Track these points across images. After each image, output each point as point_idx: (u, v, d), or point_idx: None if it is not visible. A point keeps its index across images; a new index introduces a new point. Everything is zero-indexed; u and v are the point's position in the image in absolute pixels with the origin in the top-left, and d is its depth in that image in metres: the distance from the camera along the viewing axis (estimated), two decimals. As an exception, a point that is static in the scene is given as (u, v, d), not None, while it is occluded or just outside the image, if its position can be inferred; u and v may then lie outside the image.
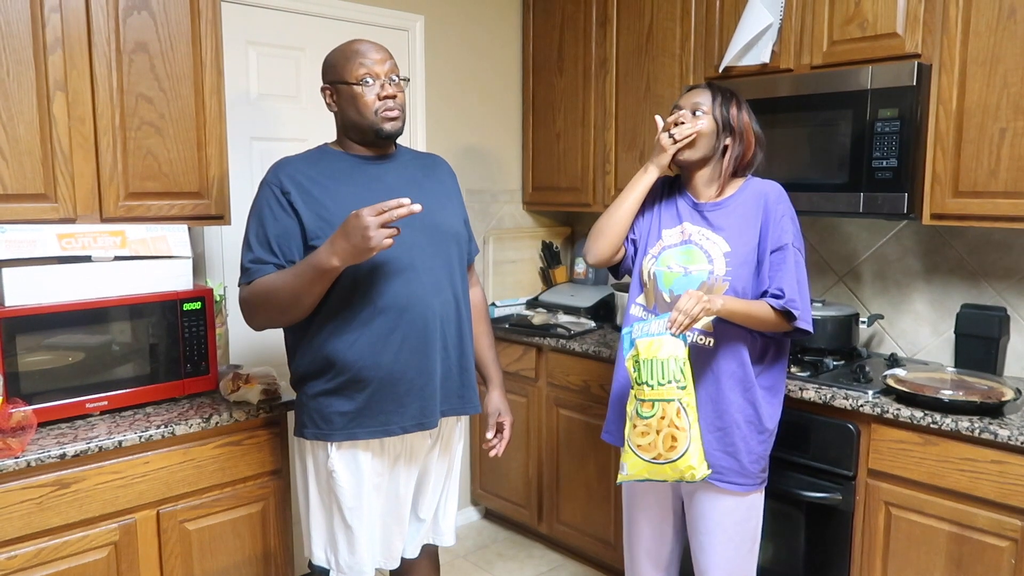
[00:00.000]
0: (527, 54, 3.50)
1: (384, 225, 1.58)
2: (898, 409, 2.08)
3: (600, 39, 3.15)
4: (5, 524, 1.73)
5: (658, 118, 1.98)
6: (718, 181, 1.96)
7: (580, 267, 3.68)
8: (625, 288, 2.11)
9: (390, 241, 1.60)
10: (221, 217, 2.30)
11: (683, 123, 1.91)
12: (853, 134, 2.32)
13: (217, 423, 2.03)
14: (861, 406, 2.13)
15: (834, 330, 2.52)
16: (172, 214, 2.19)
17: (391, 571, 2.06)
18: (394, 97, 1.82)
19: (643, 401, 1.75)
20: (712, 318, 1.85)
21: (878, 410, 2.10)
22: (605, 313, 3.33)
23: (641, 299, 2.02)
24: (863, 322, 2.59)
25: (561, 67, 3.33)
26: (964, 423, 1.96)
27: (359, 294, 1.77)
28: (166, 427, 1.95)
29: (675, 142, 1.91)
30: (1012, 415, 2.01)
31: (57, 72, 1.96)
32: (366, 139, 1.87)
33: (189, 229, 2.24)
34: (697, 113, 1.92)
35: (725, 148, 1.94)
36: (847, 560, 2.21)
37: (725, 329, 1.88)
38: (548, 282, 3.70)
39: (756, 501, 1.96)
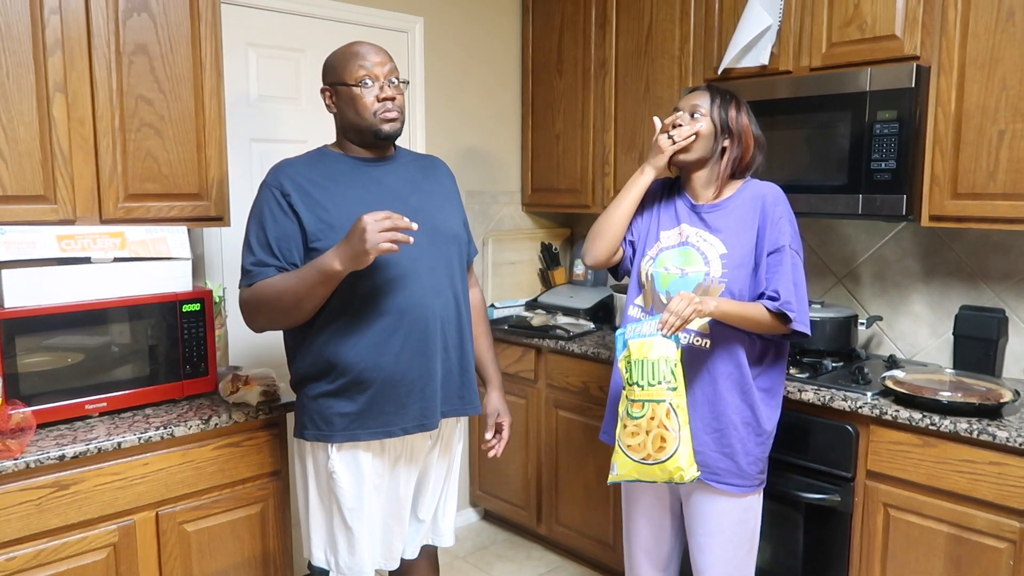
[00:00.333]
0: (526, 56, 3.50)
1: (387, 231, 1.59)
2: (897, 411, 2.08)
3: (599, 41, 3.15)
4: (4, 525, 1.73)
5: (656, 119, 1.99)
6: (716, 183, 1.96)
7: (579, 269, 3.68)
8: (624, 289, 2.11)
9: (388, 245, 1.60)
10: (221, 219, 2.30)
11: (681, 125, 1.92)
12: (852, 136, 2.32)
13: (216, 424, 2.03)
14: (860, 407, 2.14)
15: (833, 331, 2.52)
16: (172, 215, 2.19)
17: (390, 572, 2.06)
18: (393, 99, 1.82)
19: (633, 401, 1.76)
20: (707, 319, 1.85)
21: (877, 411, 2.11)
22: (604, 315, 3.33)
23: (639, 300, 2.02)
24: (862, 324, 2.60)
25: (560, 69, 3.34)
26: (963, 425, 1.97)
27: (360, 296, 1.77)
28: (165, 428, 1.95)
29: (673, 143, 1.91)
30: (1010, 416, 2.02)
31: (57, 74, 1.96)
32: (365, 141, 1.87)
33: (189, 230, 2.24)
34: (696, 115, 1.93)
35: (723, 150, 1.94)
36: (846, 561, 2.22)
37: (721, 331, 1.88)
38: (547, 283, 3.70)
39: (754, 502, 1.96)
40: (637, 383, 1.75)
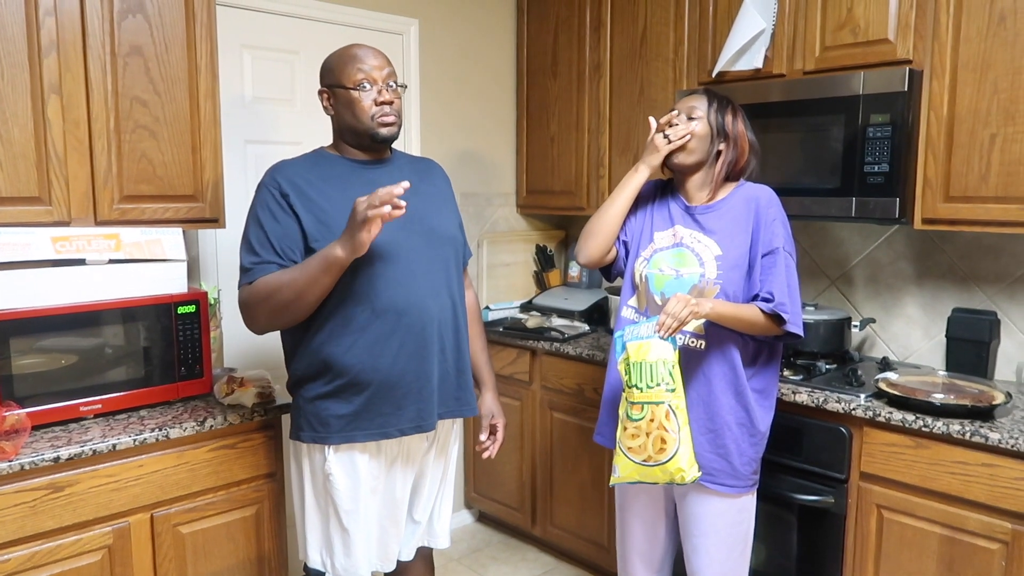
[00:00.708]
0: (521, 58, 3.51)
1: (379, 206, 1.58)
2: (890, 412, 2.09)
3: (594, 43, 3.16)
4: (-2, 528, 1.73)
5: (652, 119, 1.99)
6: (711, 186, 1.97)
7: (574, 270, 3.69)
8: (619, 291, 2.12)
9: (377, 211, 1.58)
10: (216, 220, 2.30)
11: (677, 124, 1.93)
12: (845, 139, 2.34)
13: (211, 426, 2.03)
14: (853, 409, 2.15)
15: (826, 334, 2.53)
16: (167, 217, 2.19)
17: (386, 574, 2.06)
18: (391, 103, 1.83)
19: (633, 404, 1.77)
20: (703, 321, 1.86)
21: (870, 413, 2.12)
22: (599, 316, 3.34)
23: (633, 301, 2.03)
24: (855, 326, 2.61)
25: (555, 71, 3.34)
26: (955, 426, 1.98)
27: (357, 297, 1.78)
28: (160, 430, 1.95)
29: (669, 142, 1.92)
30: (1003, 418, 2.03)
31: (52, 75, 1.96)
32: (362, 143, 1.87)
33: (184, 232, 2.24)
34: (692, 118, 1.94)
35: (718, 153, 1.95)
36: (839, 563, 2.23)
37: (716, 332, 1.89)
38: (542, 285, 3.71)
39: (748, 503, 1.97)
40: (636, 385, 1.76)
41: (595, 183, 3.21)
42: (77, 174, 2.03)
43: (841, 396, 2.21)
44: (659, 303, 1.93)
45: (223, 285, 2.63)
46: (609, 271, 2.12)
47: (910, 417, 2.05)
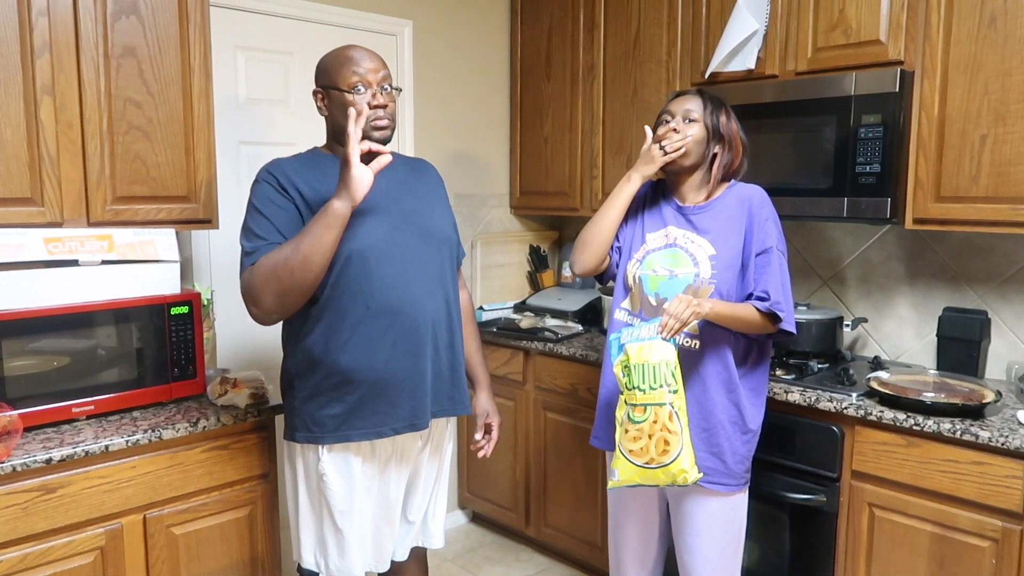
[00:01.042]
0: (515, 59, 3.51)
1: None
2: (881, 411, 2.10)
3: (587, 45, 3.17)
4: (-9, 529, 1.73)
5: (648, 130, 1.98)
6: (706, 187, 1.98)
7: (567, 271, 3.69)
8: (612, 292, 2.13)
9: (368, 144, 1.70)
10: (209, 221, 2.29)
11: (673, 133, 1.92)
12: (837, 140, 2.35)
13: (204, 427, 2.03)
14: (845, 408, 2.16)
15: (818, 333, 2.54)
16: (160, 218, 2.19)
17: (380, 574, 2.06)
18: (385, 107, 1.82)
19: (635, 406, 1.76)
20: (699, 321, 1.87)
21: (862, 412, 2.13)
22: (592, 317, 3.34)
23: (626, 303, 2.03)
24: (847, 325, 2.62)
25: (549, 72, 3.35)
26: (946, 425, 1.99)
27: (351, 296, 1.77)
28: (153, 431, 1.94)
29: (665, 154, 1.92)
30: (993, 417, 2.04)
31: (44, 76, 1.96)
32: (355, 144, 1.87)
33: (177, 233, 2.24)
34: (688, 120, 1.93)
35: (714, 155, 1.96)
36: (831, 561, 2.23)
37: (710, 331, 1.90)
38: (536, 286, 3.71)
39: (740, 501, 1.98)
40: (638, 387, 1.75)
41: (589, 184, 3.22)
42: (70, 175, 2.02)
43: (833, 395, 2.22)
44: (653, 304, 1.93)
45: (216, 286, 2.63)
46: (602, 276, 2.12)
47: (901, 416, 2.06)
